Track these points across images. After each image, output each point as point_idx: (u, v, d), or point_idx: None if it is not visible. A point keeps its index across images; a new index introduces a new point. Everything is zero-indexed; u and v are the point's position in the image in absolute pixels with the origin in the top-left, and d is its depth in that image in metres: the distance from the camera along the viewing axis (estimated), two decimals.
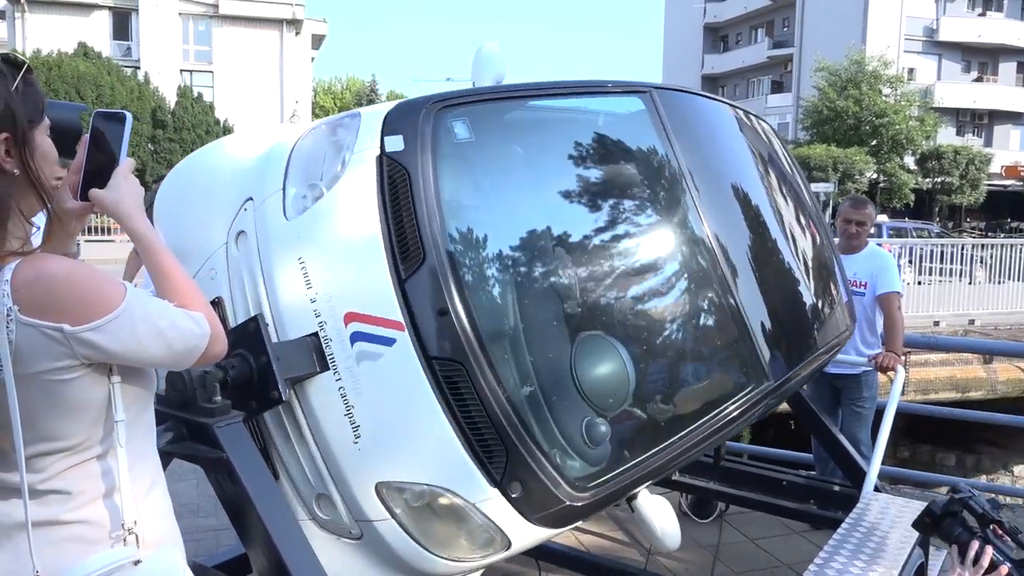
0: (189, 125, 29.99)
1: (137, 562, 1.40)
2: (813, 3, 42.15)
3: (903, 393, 11.24)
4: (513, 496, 2.10)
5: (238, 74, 36.21)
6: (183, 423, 1.90)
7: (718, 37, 51.34)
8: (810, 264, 3.50)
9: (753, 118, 3.65)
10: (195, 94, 31.81)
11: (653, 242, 2.66)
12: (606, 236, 2.56)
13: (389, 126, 2.33)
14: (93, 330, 1.33)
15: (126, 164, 1.52)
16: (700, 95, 3.36)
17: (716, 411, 2.55)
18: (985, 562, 1.87)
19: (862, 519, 3.21)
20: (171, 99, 31.01)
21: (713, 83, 50.89)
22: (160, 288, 1.51)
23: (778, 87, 45.89)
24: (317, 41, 41.88)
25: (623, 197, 2.69)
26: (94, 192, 1.49)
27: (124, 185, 1.50)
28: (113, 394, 1.41)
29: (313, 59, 42.70)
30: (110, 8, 37.02)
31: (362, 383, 2.12)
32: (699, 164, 2.84)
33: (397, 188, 2.24)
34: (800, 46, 42.60)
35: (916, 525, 2.40)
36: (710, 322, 2.71)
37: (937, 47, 40.55)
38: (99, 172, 1.50)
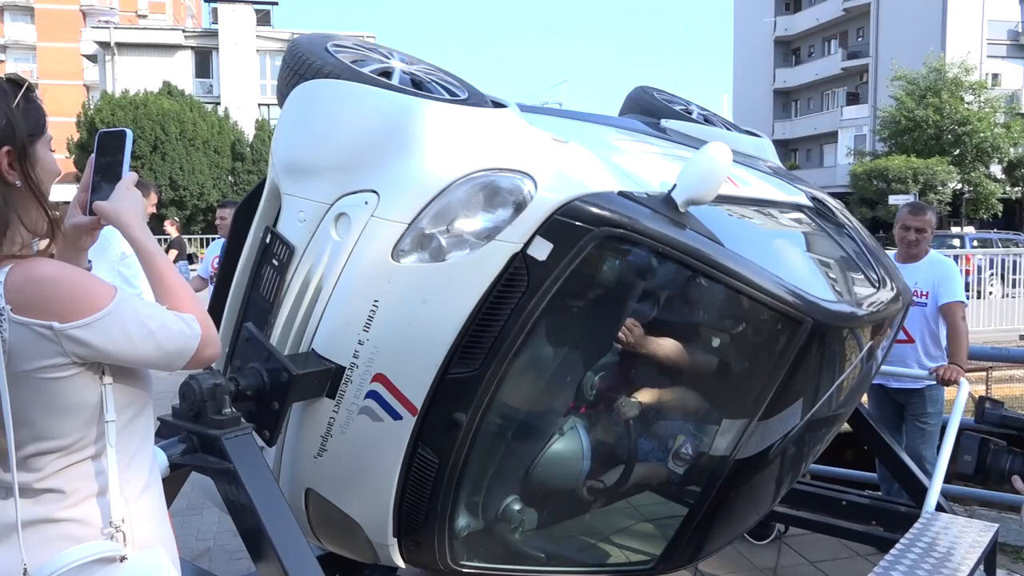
0: (266, 157, 30.81)
1: (123, 558, 1.43)
2: (888, 11, 41.03)
3: None
4: (404, 546, 2.42)
5: None
6: (194, 435, 1.93)
7: (789, 50, 50.39)
8: None
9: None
10: (272, 127, 32.91)
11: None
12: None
13: (548, 228, 2.08)
14: (82, 327, 1.38)
15: (128, 178, 1.60)
16: None
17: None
18: None
19: (919, 538, 3.03)
20: (249, 132, 32.14)
21: (785, 97, 49.94)
22: (156, 292, 1.57)
23: (854, 98, 44.68)
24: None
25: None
26: (97, 204, 1.57)
27: (126, 196, 1.58)
28: (104, 395, 1.45)
29: None
30: (193, 48, 38.76)
31: (351, 428, 2.26)
32: None
33: (509, 293, 2.09)
34: (876, 55, 41.47)
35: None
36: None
37: (1023, 51, 38.92)
38: (105, 187, 1.59)
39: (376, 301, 2.14)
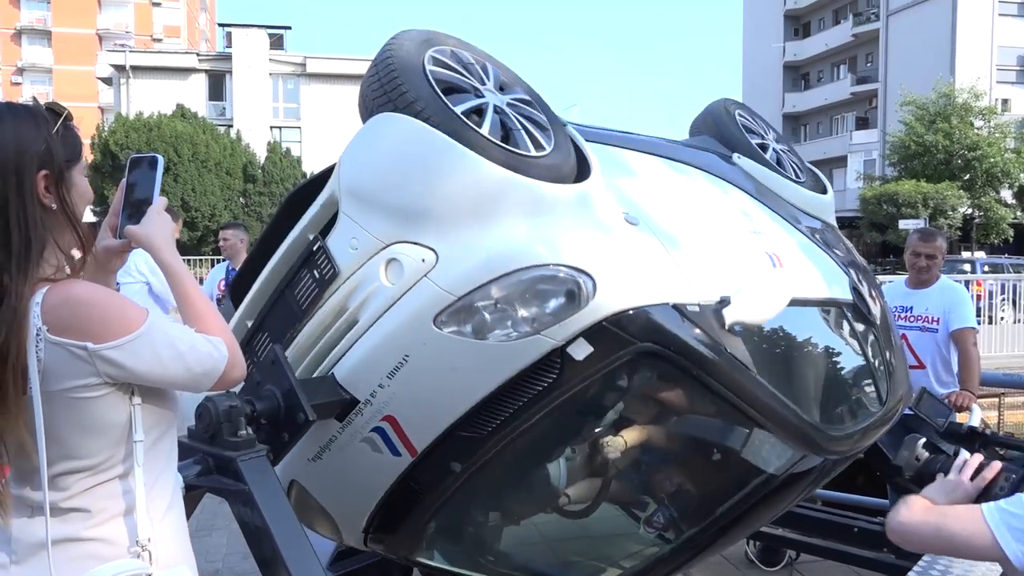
0: (278, 179, 31.24)
1: None
2: (897, 37, 41.21)
3: None
4: (370, 538, 2.55)
5: (324, 129, 37.65)
6: (209, 456, 1.94)
7: (799, 75, 50.62)
8: None
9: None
10: (284, 149, 33.19)
11: None
12: None
13: (594, 333, 2.06)
14: (115, 348, 1.42)
15: (159, 202, 1.64)
16: None
17: None
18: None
19: (932, 566, 3.01)
20: (261, 155, 32.41)
21: (795, 121, 50.08)
22: (184, 314, 1.61)
23: (863, 123, 44.77)
24: None
25: None
26: (128, 228, 1.61)
27: (156, 221, 1.62)
28: (134, 415, 1.49)
29: None
30: (206, 71, 39.22)
31: (350, 450, 2.32)
32: None
33: (536, 381, 2.11)
34: (885, 81, 41.61)
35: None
36: None
37: None
38: (135, 212, 1.63)
39: (407, 356, 2.14)
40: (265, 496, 1.86)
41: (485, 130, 2.19)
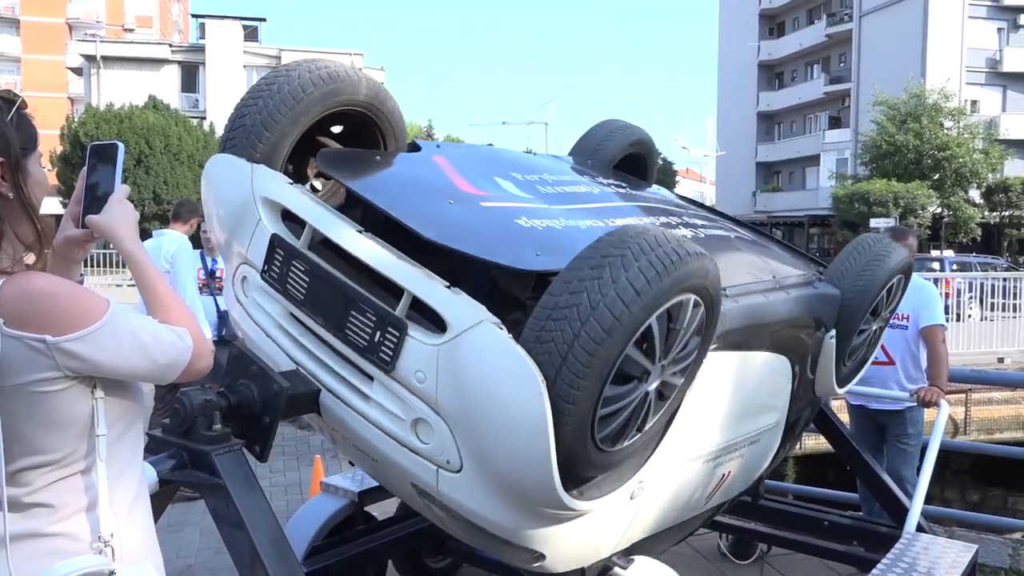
0: None
1: (112, 573, 1.43)
2: (870, 38, 41.63)
3: (964, 432, 10.75)
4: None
5: None
6: (184, 451, 1.93)
7: (773, 74, 50.96)
8: None
9: None
10: None
11: None
12: None
13: None
14: (75, 340, 1.39)
15: (121, 191, 1.61)
16: None
17: None
18: None
19: (900, 559, 3.07)
20: None
21: (769, 120, 50.45)
22: (149, 305, 1.59)
23: (836, 123, 45.20)
24: None
25: None
26: (90, 218, 1.58)
27: (118, 210, 1.59)
28: (96, 409, 1.46)
29: None
30: (179, 63, 38.73)
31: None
32: None
33: None
34: (857, 81, 42.00)
35: None
36: None
37: (1001, 78, 39.50)
38: (97, 201, 1.59)
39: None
40: (240, 490, 1.85)
41: None
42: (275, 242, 2.30)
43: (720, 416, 2.69)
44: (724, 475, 2.95)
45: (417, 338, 2.04)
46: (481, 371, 1.93)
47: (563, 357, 1.87)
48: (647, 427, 2.19)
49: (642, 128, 3.90)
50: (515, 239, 2.31)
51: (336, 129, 2.75)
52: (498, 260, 2.11)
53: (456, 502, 2.11)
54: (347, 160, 2.61)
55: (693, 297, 2.10)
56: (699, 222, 3.37)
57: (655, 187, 3.96)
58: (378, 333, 2.09)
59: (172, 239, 5.54)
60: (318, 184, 2.80)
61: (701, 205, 4.01)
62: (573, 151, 3.82)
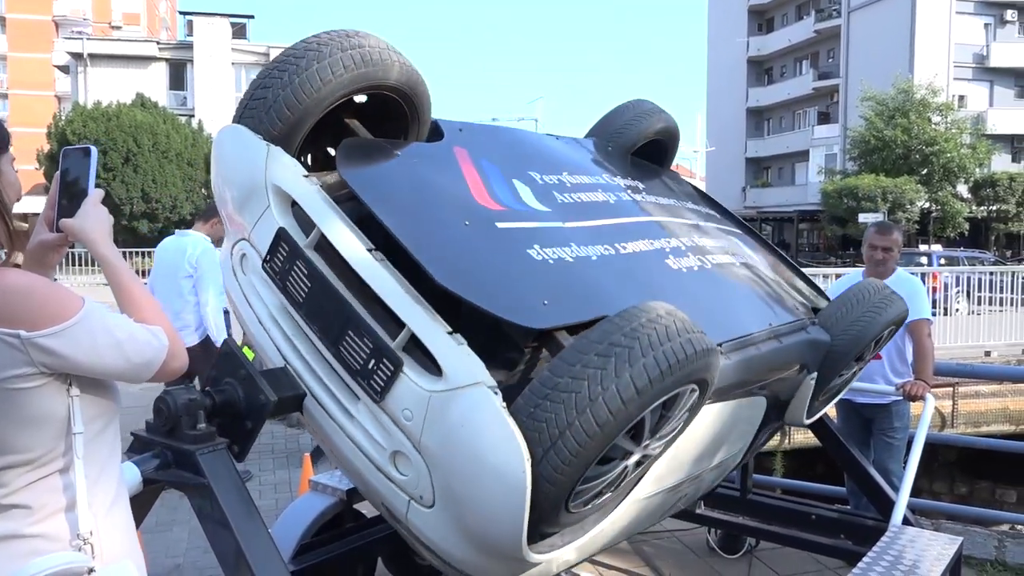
0: None
1: (91, 571, 1.43)
2: (858, 34, 41.77)
3: (952, 426, 10.79)
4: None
5: None
6: (168, 450, 1.92)
7: (762, 70, 51.08)
8: None
9: None
10: None
11: None
12: None
13: None
14: (50, 335, 1.39)
15: (94, 195, 1.61)
16: None
17: None
18: None
19: (886, 551, 3.09)
20: None
21: (758, 116, 50.57)
22: (123, 306, 1.58)
23: (824, 118, 45.34)
24: None
25: None
26: (64, 221, 1.57)
27: (92, 213, 1.59)
28: (72, 407, 1.45)
29: None
30: (167, 60, 38.54)
31: None
32: None
33: None
34: (846, 76, 42.16)
35: None
36: None
37: (988, 73, 39.73)
38: (71, 204, 1.59)
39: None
40: (225, 490, 1.85)
41: None
42: (281, 235, 2.24)
43: (689, 457, 2.69)
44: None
45: (411, 378, 2.01)
46: (469, 433, 1.91)
47: (552, 441, 1.86)
48: (620, 488, 2.22)
49: (669, 114, 3.79)
50: (525, 281, 2.27)
51: (360, 99, 2.61)
52: (505, 316, 2.06)
53: (421, 532, 2.11)
54: (366, 157, 2.50)
55: (692, 386, 2.08)
56: (709, 243, 3.27)
57: (671, 179, 3.85)
58: (372, 361, 2.06)
59: (196, 242, 5.42)
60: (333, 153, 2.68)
61: (713, 202, 3.94)
62: (597, 128, 3.72)
